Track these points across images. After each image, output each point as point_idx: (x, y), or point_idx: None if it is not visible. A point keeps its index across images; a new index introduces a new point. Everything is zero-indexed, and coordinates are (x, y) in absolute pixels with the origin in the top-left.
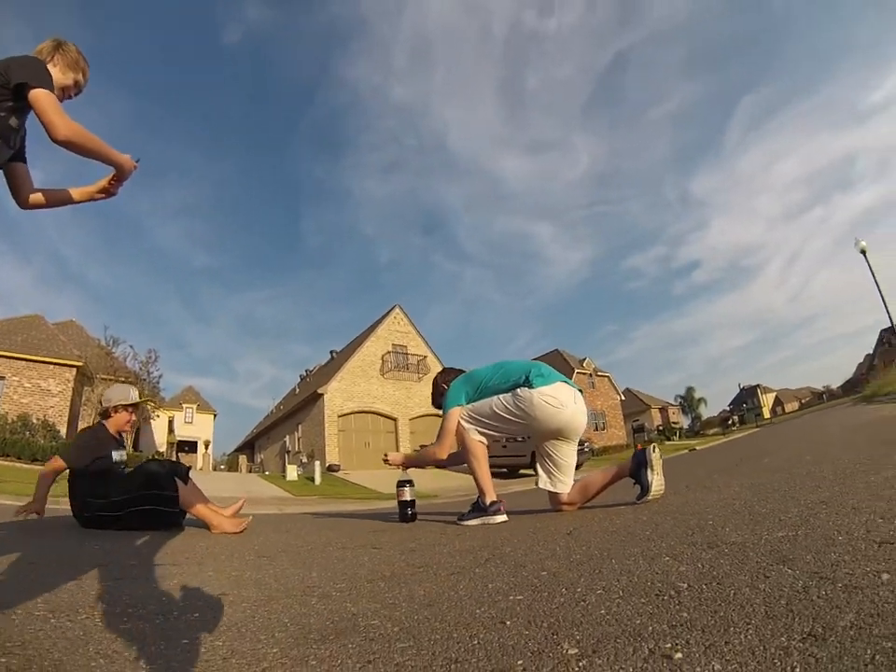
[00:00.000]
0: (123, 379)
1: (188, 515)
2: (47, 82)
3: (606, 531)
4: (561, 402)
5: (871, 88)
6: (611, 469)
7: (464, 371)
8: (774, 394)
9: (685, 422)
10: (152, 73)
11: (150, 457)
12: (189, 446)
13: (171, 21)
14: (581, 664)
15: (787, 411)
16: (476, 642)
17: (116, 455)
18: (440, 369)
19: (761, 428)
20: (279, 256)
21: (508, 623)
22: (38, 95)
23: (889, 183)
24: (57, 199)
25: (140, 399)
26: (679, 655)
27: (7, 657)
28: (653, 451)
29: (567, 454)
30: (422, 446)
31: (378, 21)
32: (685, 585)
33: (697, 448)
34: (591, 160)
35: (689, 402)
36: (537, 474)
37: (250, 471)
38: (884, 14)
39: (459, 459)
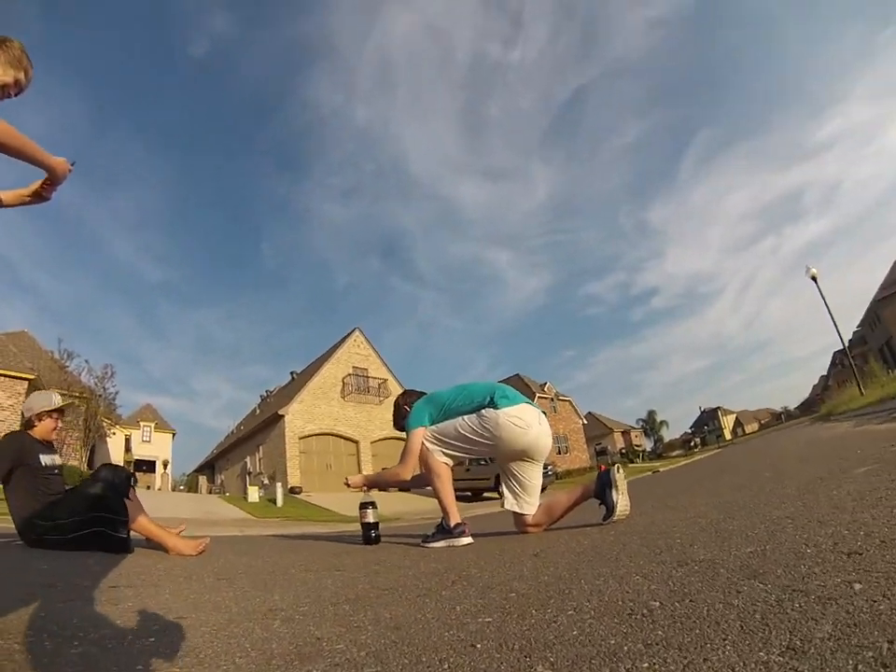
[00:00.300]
0: (78, 394)
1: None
2: None
3: (573, 552)
4: (526, 423)
5: (816, 127)
6: (576, 489)
7: (425, 394)
8: (734, 415)
9: (648, 445)
10: (112, 78)
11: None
12: (147, 465)
13: (136, 26)
14: None
15: (747, 431)
16: (446, 666)
17: (45, 459)
18: (400, 392)
19: (722, 449)
20: (237, 274)
21: (478, 645)
22: None
23: (833, 215)
24: None
25: (63, 402)
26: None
27: None
28: (618, 471)
29: (532, 475)
30: (384, 469)
31: (344, 42)
32: (657, 604)
33: (661, 470)
34: (549, 188)
35: (651, 425)
36: (502, 496)
37: (210, 492)
38: (827, 61)
39: (422, 481)
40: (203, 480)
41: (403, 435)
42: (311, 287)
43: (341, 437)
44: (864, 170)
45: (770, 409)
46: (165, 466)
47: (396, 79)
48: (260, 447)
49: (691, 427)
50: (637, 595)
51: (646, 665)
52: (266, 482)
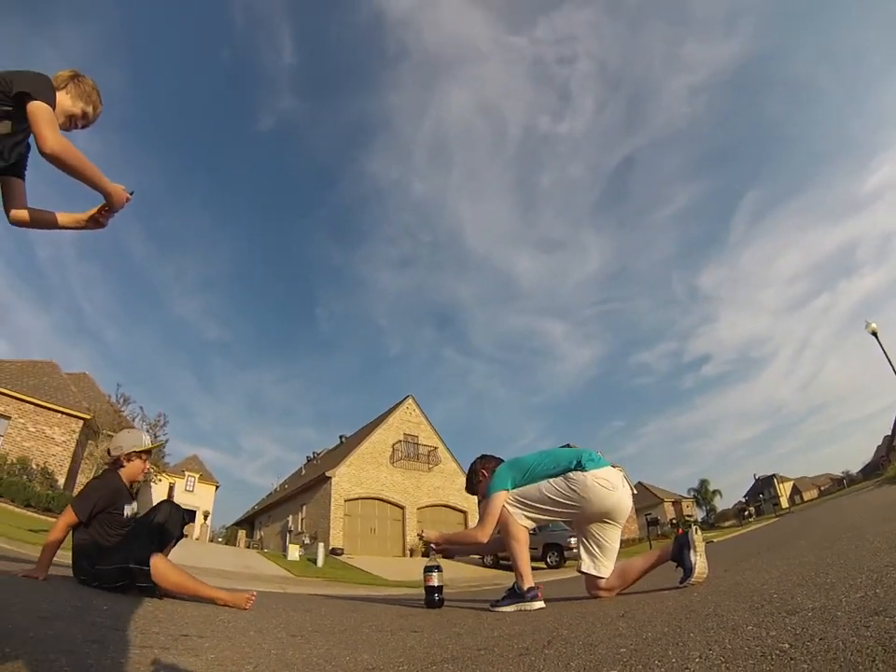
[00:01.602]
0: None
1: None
2: (49, 98)
3: (662, 612)
4: (613, 485)
5: (864, 177)
6: (653, 553)
7: (502, 460)
8: (791, 483)
9: (699, 514)
10: (186, 147)
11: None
12: (188, 515)
13: (209, 103)
14: None
15: (805, 499)
16: None
17: (128, 510)
18: (450, 460)
19: (779, 518)
20: (291, 338)
21: None
22: (37, 107)
23: (889, 266)
24: (43, 220)
25: (153, 444)
26: None
27: None
28: (696, 532)
29: (612, 537)
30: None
31: (401, 120)
32: (787, 645)
33: (715, 540)
34: (600, 258)
35: (703, 495)
36: (580, 558)
37: (249, 547)
38: (870, 108)
39: (493, 547)
40: (241, 534)
41: (450, 502)
42: (364, 353)
43: (387, 502)
44: None
45: (830, 474)
46: (206, 517)
47: (451, 154)
48: (304, 507)
49: (745, 496)
50: (760, 641)
51: None
52: (307, 541)
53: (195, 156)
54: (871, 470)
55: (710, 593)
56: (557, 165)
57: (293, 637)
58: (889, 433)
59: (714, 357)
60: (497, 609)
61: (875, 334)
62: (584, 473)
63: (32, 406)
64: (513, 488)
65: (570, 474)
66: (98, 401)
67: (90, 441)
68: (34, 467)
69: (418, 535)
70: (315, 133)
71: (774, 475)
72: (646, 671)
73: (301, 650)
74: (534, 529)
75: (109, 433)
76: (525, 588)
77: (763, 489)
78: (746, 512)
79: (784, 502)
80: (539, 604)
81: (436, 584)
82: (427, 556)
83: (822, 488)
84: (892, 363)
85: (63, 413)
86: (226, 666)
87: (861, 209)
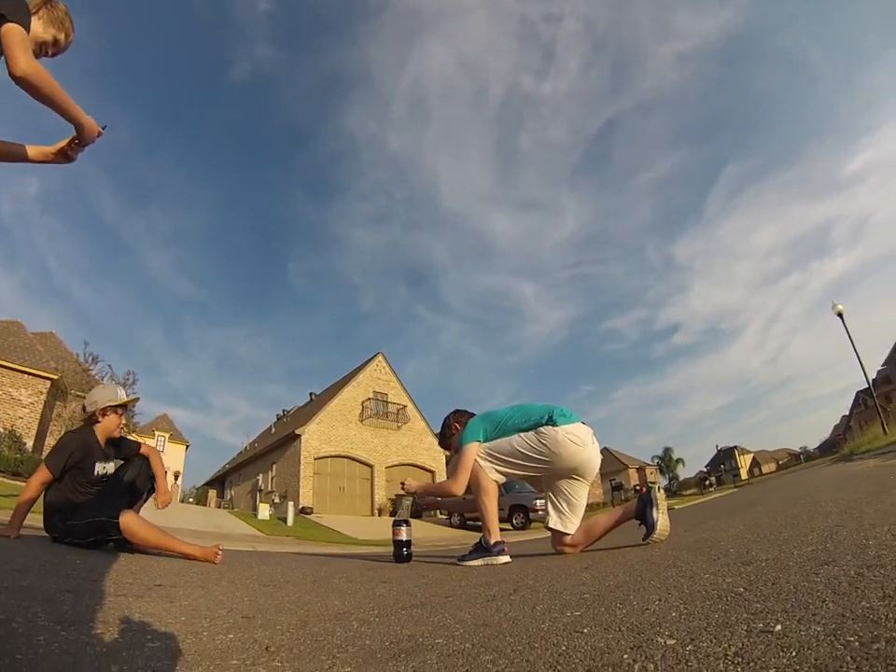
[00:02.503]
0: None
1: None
2: (24, 22)
3: (625, 564)
4: (583, 441)
5: (847, 159)
6: (617, 510)
7: (475, 415)
8: (751, 455)
9: (662, 482)
10: (156, 95)
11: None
12: None
13: (181, 50)
14: (687, 648)
15: (764, 472)
16: (564, 647)
17: (99, 468)
18: (419, 419)
19: (739, 489)
20: (263, 294)
21: (584, 630)
22: (10, 29)
23: (863, 249)
24: (11, 153)
25: (128, 398)
26: (778, 628)
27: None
28: (658, 491)
29: (580, 494)
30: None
31: (380, 73)
32: (742, 589)
33: (676, 507)
34: (577, 221)
35: (666, 463)
36: (547, 514)
37: (219, 507)
38: (860, 88)
39: (460, 506)
40: (212, 494)
41: (418, 461)
42: (336, 311)
43: (356, 460)
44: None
45: (788, 449)
46: (176, 477)
47: (430, 110)
48: (274, 465)
49: (706, 466)
50: (717, 586)
51: (760, 625)
52: (277, 500)
53: (166, 105)
54: (827, 448)
55: (671, 548)
56: (538, 126)
57: (265, 587)
58: (847, 413)
59: (685, 326)
60: (464, 563)
61: (840, 316)
62: (556, 428)
63: None
64: (485, 440)
65: (542, 429)
66: (65, 361)
67: (57, 402)
68: (0, 430)
69: (401, 484)
70: (291, 85)
71: (735, 447)
72: (608, 613)
73: (272, 597)
74: (501, 490)
75: (78, 393)
76: (492, 542)
77: (724, 460)
78: (707, 482)
79: (744, 474)
80: (506, 558)
81: (404, 539)
82: (395, 515)
83: (780, 462)
84: (854, 345)
85: (29, 373)
86: (200, 611)
87: (841, 190)
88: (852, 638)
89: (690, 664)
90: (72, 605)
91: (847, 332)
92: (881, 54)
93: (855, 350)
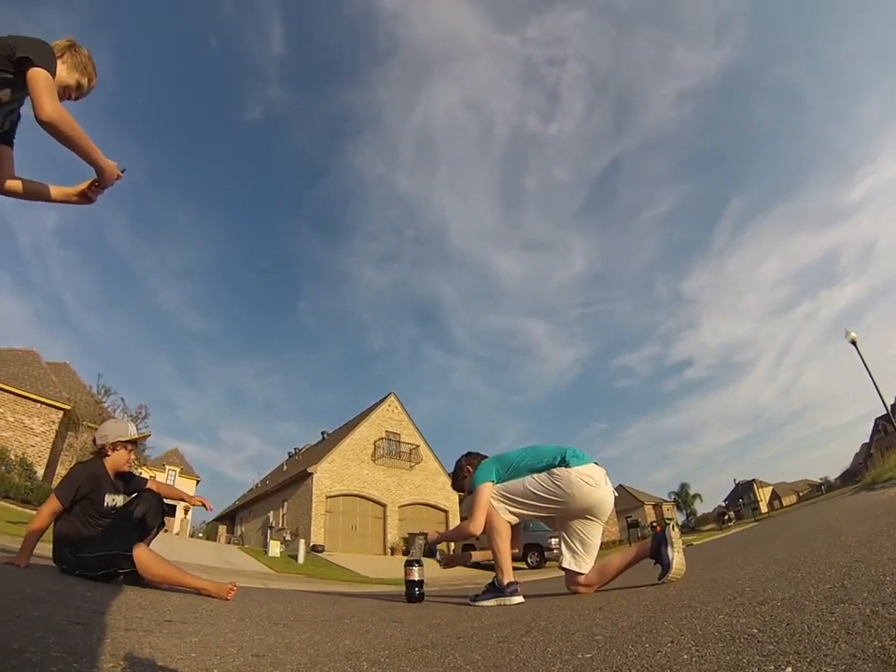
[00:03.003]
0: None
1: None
2: (50, 66)
3: (638, 604)
4: (596, 482)
5: (848, 187)
6: (631, 549)
7: (486, 457)
8: (770, 488)
9: (680, 518)
10: (173, 136)
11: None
12: (168, 509)
13: (196, 93)
14: None
15: (785, 504)
16: None
17: (108, 500)
18: (432, 458)
19: (759, 523)
20: (274, 331)
21: None
22: (36, 74)
23: (871, 276)
24: (35, 192)
25: (139, 434)
26: (789, 670)
27: None
28: (673, 529)
29: (594, 533)
30: (413, 533)
31: (389, 114)
32: (755, 630)
33: (694, 543)
34: (585, 259)
35: (683, 498)
36: (561, 554)
37: (229, 542)
38: (855, 121)
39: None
40: (222, 529)
41: (431, 500)
42: (346, 349)
43: (368, 499)
44: None
45: (808, 480)
46: (186, 512)
47: (437, 150)
48: (285, 503)
49: (725, 501)
50: (730, 627)
51: (771, 667)
52: (288, 537)
53: (179, 144)
54: (849, 477)
55: (686, 588)
56: (544, 166)
57: (275, 625)
58: (867, 441)
59: (697, 361)
60: (476, 603)
61: (854, 343)
62: (568, 469)
63: (11, 395)
64: (498, 481)
65: (554, 470)
66: (78, 392)
67: (69, 433)
68: (12, 458)
69: (424, 537)
70: (302, 125)
71: (754, 480)
72: (619, 654)
73: (282, 636)
74: (551, 516)
75: (90, 424)
76: (506, 583)
77: (742, 494)
78: (726, 517)
79: (763, 507)
80: (519, 598)
81: (416, 578)
82: (409, 560)
83: (801, 494)
84: (870, 372)
85: (42, 403)
86: (209, 648)
87: (844, 219)
88: None
89: None
90: (83, 637)
91: (863, 359)
92: (875, 85)
93: (871, 377)
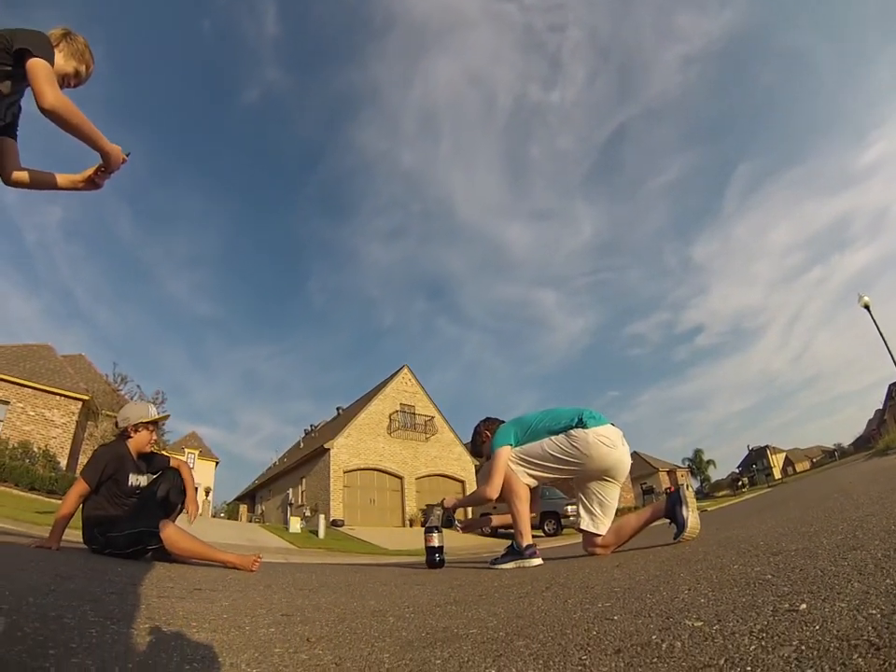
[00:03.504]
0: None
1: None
2: (49, 56)
3: (655, 561)
4: (613, 442)
5: (859, 152)
6: (646, 510)
7: (505, 422)
8: (783, 454)
9: (694, 484)
10: (172, 125)
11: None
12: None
13: (192, 79)
14: (714, 628)
15: (798, 470)
16: (595, 632)
17: (133, 479)
18: (447, 429)
19: (772, 488)
20: (283, 312)
21: (615, 618)
22: (36, 63)
23: (884, 240)
24: (42, 181)
25: (159, 415)
26: (803, 606)
27: (93, 658)
28: (687, 489)
29: (612, 495)
30: (428, 505)
31: (389, 90)
32: (769, 576)
33: (709, 509)
34: (593, 228)
35: (697, 465)
36: (579, 516)
37: (250, 521)
38: (866, 85)
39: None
40: (243, 509)
41: (447, 471)
42: (357, 326)
43: (385, 472)
44: None
45: (822, 446)
46: (207, 493)
47: (440, 124)
48: (304, 479)
49: (738, 467)
50: (746, 575)
51: (786, 605)
52: (308, 513)
53: (178, 132)
54: (862, 443)
55: (701, 545)
56: (548, 135)
57: (301, 591)
58: (881, 407)
59: (707, 327)
60: (496, 566)
61: (867, 308)
62: (586, 430)
63: (30, 390)
64: (516, 445)
65: (572, 431)
66: (95, 382)
67: (89, 422)
68: (35, 450)
69: (441, 503)
70: (301, 106)
71: (767, 446)
72: (638, 602)
73: (309, 599)
74: (569, 477)
75: (108, 413)
76: (524, 545)
77: (756, 460)
78: (740, 482)
79: (777, 473)
80: (538, 560)
81: (437, 545)
82: (428, 527)
83: (814, 460)
84: (884, 337)
85: (61, 395)
86: (240, 610)
87: (856, 183)
88: (874, 611)
89: (716, 640)
90: (118, 605)
91: (876, 324)
92: (883, 50)
93: (885, 342)
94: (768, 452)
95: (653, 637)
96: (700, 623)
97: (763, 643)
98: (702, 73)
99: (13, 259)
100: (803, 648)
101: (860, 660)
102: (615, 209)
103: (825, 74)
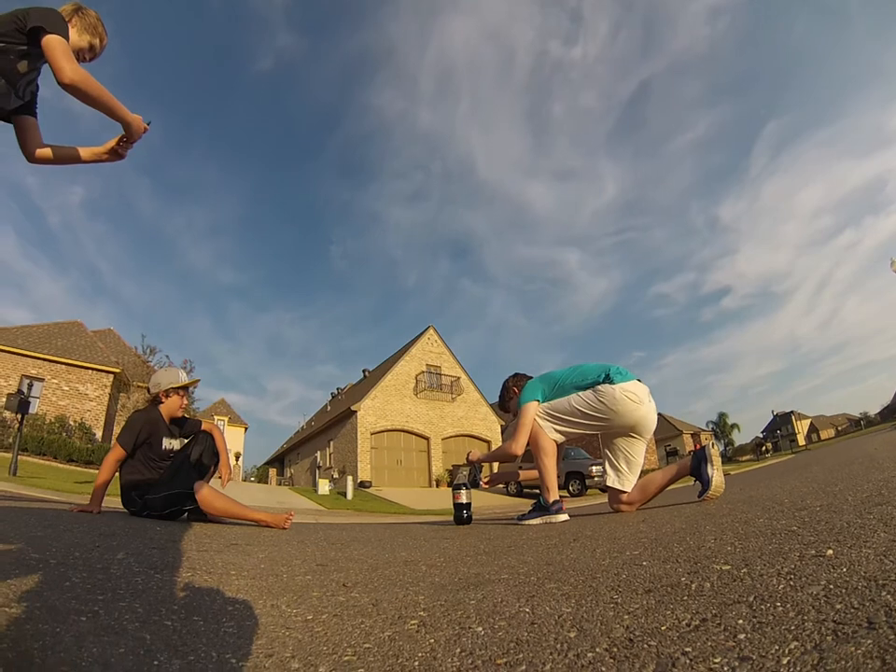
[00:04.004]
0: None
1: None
2: (63, 31)
3: (681, 516)
4: (640, 398)
5: (895, 110)
6: (672, 467)
7: (533, 377)
8: (808, 420)
9: (718, 448)
10: (185, 96)
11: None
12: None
13: (204, 49)
14: (742, 571)
15: (822, 438)
16: (625, 576)
17: (166, 443)
18: (473, 389)
19: (797, 455)
20: (306, 278)
21: (644, 563)
22: (51, 40)
23: None
24: (65, 156)
25: (189, 380)
26: (830, 552)
27: (139, 601)
28: (712, 447)
29: (638, 451)
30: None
31: (404, 50)
32: (795, 528)
33: (732, 473)
34: (617, 186)
35: (722, 428)
36: (605, 473)
37: (280, 484)
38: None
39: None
40: (272, 472)
41: (474, 432)
42: (381, 288)
43: (412, 433)
44: None
45: (847, 415)
46: (237, 458)
47: (458, 84)
48: (331, 442)
49: (762, 432)
50: (771, 528)
51: (812, 551)
52: (336, 475)
53: (193, 104)
54: (889, 413)
55: (726, 502)
56: (570, 92)
57: (333, 545)
58: None
59: (734, 290)
60: (523, 522)
61: None
62: (613, 386)
63: (63, 366)
64: (544, 401)
65: (599, 387)
66: (125, 355)
67: (121, 394)
68: (71, 423)
69: (467, 455)
70: (316, 71)
71: (792, 412)
72: (665, 550)
73: (342, 551)
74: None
75: (140, 384)
76: (551, 501)
77: (780, 425)
78: (763, 448)
79: (801, 440)
80: (564, 516)
81: (464, 501)
82: (456, 485)
83: (839, 428)
84: None
85: (93, 369)
86: (277, 561)
87: (891, 143)
88: None
89: (744, 581)
90: (160, 557)
91: None
92: None
93: None
94: (793, 418)
95: (682, 578)
96: (728, 567)
97: (792, 583)
98: (731, 25)
99: (38, 241)
100: (831, 587)
101: (888, 596)
102: (640, 167)
103: (860, 27)
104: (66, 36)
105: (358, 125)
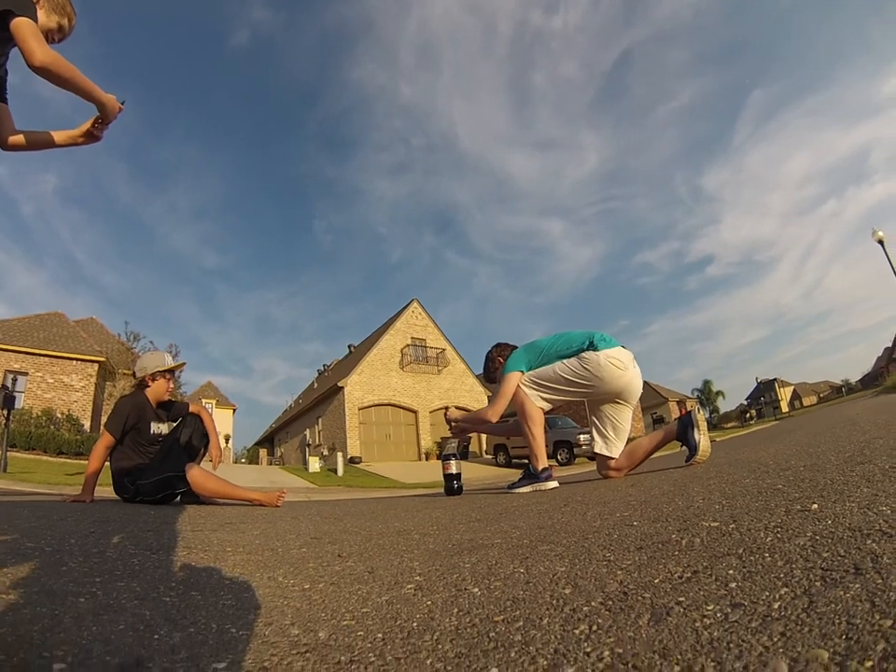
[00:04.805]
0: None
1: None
2: (32, 14)
3: (668, 481)
4: (624, 364)
5: (882, 81)
6: (658, 433)
7: (517, 347)
8: (791, 388)
9: (703, 414)
10: (160, 76)
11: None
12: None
13: (178, 26)
14: (730, 527)
15: (805, 404)
16: (616, 536)
17: (154, 427)
18: (459, 361)
19: (780, 421)
20: (290, 255)
21: (634, 523)
22: (20, 22)
23: None
24: (39, 141)
25: (175, 363)
26: (815, 506)
27: (137, 581)
28: (698, 412)
29: (624, 418)
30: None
31: (383, 22)
32: (780, 486)
33: (717, 440)
34: (599, 156)
35: (707, 395)
36: (592, 440)
37: (270, 464)
38: (884, 14)
39: (501, 430)
40: (263, 452)
41: (461, 403)
42: (365, 263)
43: (400, 407)
44: None
45: (829, 382)
46: (227, 440)
47: (439, 55)
48: (320, 419)
49: (747, 399)
50: (757, 488)
51: (798, 506)
52: (326, 453)
53: (168, 83)
54: (870, 381)
55: (713, 465)
56: (551, 62)
57: (326, 520)
58: (890, 345)
59: (718, 258)
60: (513, 490)
61: (881, 243)
62: (597, 353)
63: (46, 358)
64: (528, 370)
65: (584, 354)
66: (109, 343)
67: (107, 382)
68: (58, 416)
69: (444, 410)
70: (294, 45)
71: (775, 379)
72: (655, 511)
73: (335, 525)
74: (546, 426)
75: (125, 371)
76: (540, 469)
77: (764, 392)
78: (748, 414)
79: (784, 406)
80: (554, 483)
81: (454, 472)
82: (445, 455)
83: (822, 395)
84: None
85: (77, 359)
86: (271, 536)
87: (877, 113)
88: (885, 508)
89: (733, 536)
90: (156, 539)
91: (889, 260)
92: None
93: None
94: (776, 385)
95: (673, 536)
96: (717, 524)
97: (779, 536)
98: None
99: (12, 233)
100: (817, 538)
101: (873, 545)
102: (622, 137)
103: None
104: (35, 18)
105: (339, 99)
